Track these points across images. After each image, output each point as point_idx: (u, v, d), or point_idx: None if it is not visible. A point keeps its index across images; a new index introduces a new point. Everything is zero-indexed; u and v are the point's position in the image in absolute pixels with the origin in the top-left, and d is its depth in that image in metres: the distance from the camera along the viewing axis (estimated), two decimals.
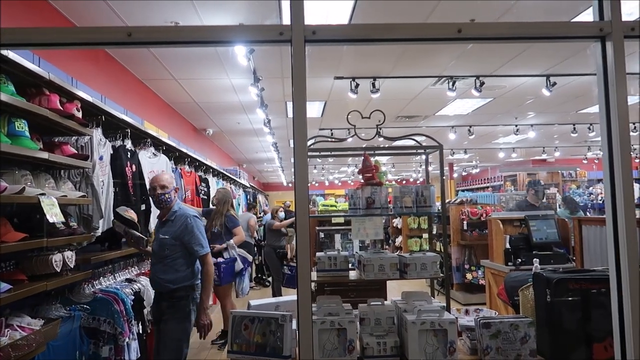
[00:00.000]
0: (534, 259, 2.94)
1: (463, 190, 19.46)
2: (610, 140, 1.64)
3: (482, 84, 6.04)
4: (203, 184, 6.89)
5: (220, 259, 5.34)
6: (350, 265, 2.81)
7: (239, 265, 5.35)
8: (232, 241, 5.39)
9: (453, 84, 6.11)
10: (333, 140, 3.03)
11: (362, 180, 2.35)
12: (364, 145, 3.23)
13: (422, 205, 2.28)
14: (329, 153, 3.52)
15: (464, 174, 23.70)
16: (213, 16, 4.23)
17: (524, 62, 5.72)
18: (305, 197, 1.64)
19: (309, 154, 2.66)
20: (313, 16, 4.18)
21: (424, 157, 3.25)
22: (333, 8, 4.15)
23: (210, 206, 6.24)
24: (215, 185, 8.05)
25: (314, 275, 2.49)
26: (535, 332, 2.16)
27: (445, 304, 2.53)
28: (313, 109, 8.11)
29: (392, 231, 10.13)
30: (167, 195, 3.31)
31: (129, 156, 4.01)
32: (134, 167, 4.08)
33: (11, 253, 2.47)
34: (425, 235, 8.62)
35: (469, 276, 7.15)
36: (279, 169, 18.34)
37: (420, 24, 1.72)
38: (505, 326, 2.15)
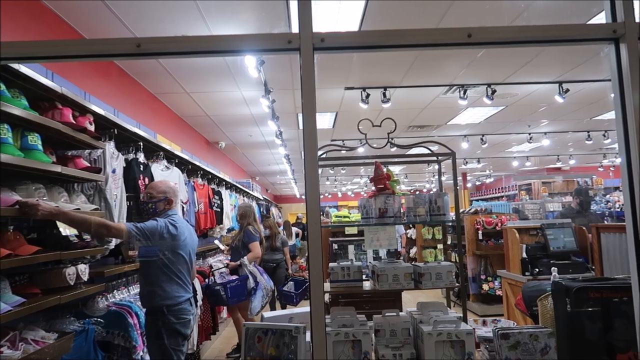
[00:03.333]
0: (552, 268, 2.86)
1: (477, 200, 19.28)
2: (628, 145, 1.60)
3: (493, 91, 5.99)
4: (216, 197, 6.90)
5: (234, 276, 5.32)
6: (364, 276, 2.78)
7: (250, 283, 5.26)
8: (245, 258, 5.35)
9: (464, 93, 6.08)
10: (344, 149, 3.01)
11: (374, 190, 2.32)
12: (377, 155, 3.21)
13: (436, 214, 2.24)
14: (340, 162, 3.49)
15: (477, 183, 23.49)
16: (222, 27, 4.26)
17: (535, 68, 5.67)
18: (316, 207, 1.62)
19: (320, 163, 2.64)
20: (322, 24, 4.19)
21: (436, 166, 3.21)
22: (342, 16, 4.15)
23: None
24: (228, 198, 8.07)
25: (327, 286, 2.46)
26: (555, 343, 2.09)
27: (461, 315, 2.47)
28: (324, 121, 8.12)
29: (406, 242, 10.05)
30: (150, 206, 3.13)
31: (141, 169, 4.03)
32: (146, 179, 4.09)
33: (25, 266, 2.48)
34: (440, 246, 8.53)
35: (485, 287, 7.03)
36: (291, 181, 18.36)
37: (430, 29, 1.70)
38: (525, 337, 2.09)
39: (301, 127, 8.38)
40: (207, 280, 5.27)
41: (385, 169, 2.52)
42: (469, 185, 22.09)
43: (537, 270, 4.83)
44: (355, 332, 2.12)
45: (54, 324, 2.77)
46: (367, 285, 2.58)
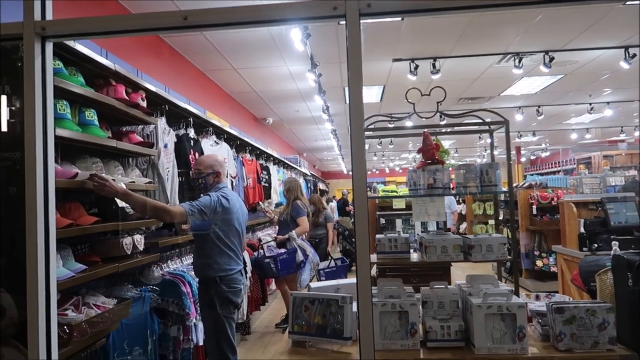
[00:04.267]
0: (613, 243, 2.72)
1: (532, 174, 18.56)
2: None
3: (551, 59, 5.67)
4: (264, 172, 7.00)
5: (282, 250, 5.41)
6: (411, 249, 2.74)
7: (299, 256, 5.35)
8: (293, 232, 5.43)
9: (519, 61, 5.79)
10: (392, 119, 2.94)
11: (423, 160, 2.27)
12: (424, 125, 3.12)
13: (487, 185, 2.17)
14: (387, 133, 3.43)
15: (532, 157, 22.58)
16: None
17: (598, 33, 5.30)
18: (363, 177, 1.60)
19: (367, 134, 2.60)
20: None
21: (488, 140, 3.08)
22: None
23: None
24: (276, 173, 8.17)
25: (374, 257, 2.45)
26: (615, 319, 2.00)
27: (513, 289, 2.41)
28: (372, 94, 8.00)
29: (456, 217, 9.86)
30: (200, 181, 3.21)
31: (192, 144, 4.12)
32: (197, 154, 4.18)
33: (86, 236, 2.61)
34: (491, 222, 8.30)
35: (539, 263, 6.81)
36: (338, 157, 18.34)
37: None
38: (581, 311, 2.01)
39: (348, 101, 8.33)
40: (256, 253, 5.39)
41: (434, 139, 2.46)
42: (522, 159, 21.28)
43: (595, 245, 4.62)
44: (403, 303, 2.11)
45: (113, 291, 2.92)
46: (414, 257, 2.55)
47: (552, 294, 2.62)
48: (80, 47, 2.50)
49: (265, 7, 1.76)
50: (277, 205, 7.49)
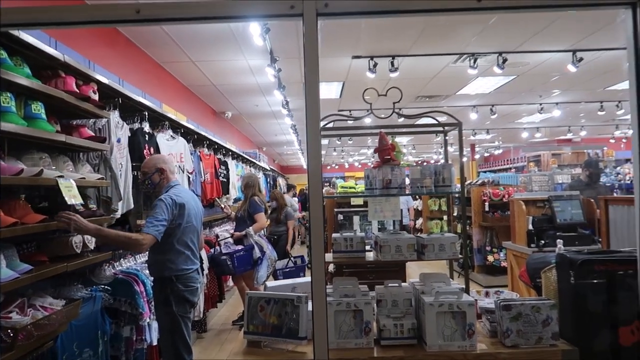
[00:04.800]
0: (558, 240, 2.85)
1: (485, 172, 19.17)
2: None
3: (504, 60, 5.86)
4: (223, 167, 6.91)
5: (239, 247, 5.36)
6: (368, 247, 2.78)
7: (256, 253, 5.30)
8: (250, 229, 5.38)
9: (474, 62, 5.95)
10: (350, 119, 2.96)
11: (379, 160, 2.30)
12: (381, 125, 3.16)
13: (441, 185, 2.22)
14: (345, 132, 3.45)
15: (486, 155, 23.29)
16: None
17: (549, 36, 5.52)
18: (318, 177, 1.60)
19: (325, 133, 2.61)
20: None
21: (444, 137, 3.16)
22: None
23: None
24: (234, 168, 8.08)
25: (330, 256, 2.47)
26: (557, 315, 2.10)
27: (464, 286, 2.48)
28: (331, 90, 8.02)
29: (413, 213, 10.05)
30: (147, 182, 3.15)
31: (147, 139, 4.02)
32: (152, 149, 4.09)
33: (32, 235, 2.50)
34: (447, 217, 8.53)
35: (490, 258, 7.05)
36: (298, 152, 18.33)
37: None
38: (527, 308, 2.09)
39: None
40: (212, 250, 5.33)
41: (390, 140, 2.49)
42: (477, 156, 21.92)
43: (542, 242, 4.82)
44: (357, 302, 2.14)
45: (62, 291, 2.82)
46: (370, 256, 2.58)
47: (501, 290, 2.72)
48: (26, 36, 2.38)
49: (221, 3, 1.73)
50: (236, 200, 7.41)
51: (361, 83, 7.00)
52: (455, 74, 7.11)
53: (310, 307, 2.18)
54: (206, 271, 5.08)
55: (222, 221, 7.00)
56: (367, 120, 5.55)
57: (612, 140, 16.29)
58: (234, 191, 7.33)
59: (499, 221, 6.86)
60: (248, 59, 6.02)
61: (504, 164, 18.55)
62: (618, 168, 10.19)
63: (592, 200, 4.87)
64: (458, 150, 2.59)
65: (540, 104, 9.80)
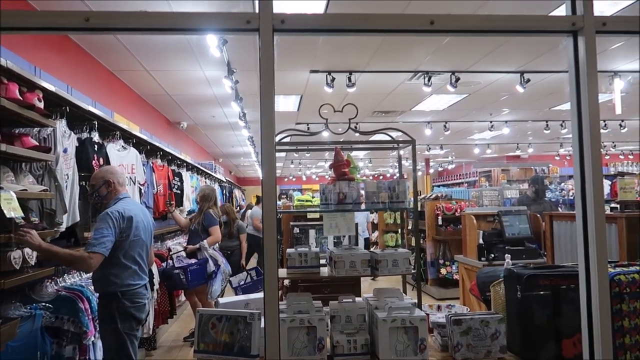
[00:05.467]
0: (506, 255, 2.94)
1: (438, 186, 19.69)
2: (581, 136, 1.63)
3: (457, 79, 6.05)
4: (176, 178, 6.76)
5: (193, 260, 5.23)
6: (323, 261, 2.76)
7: (210, 267, 5.18)
8: (205, 242, 5.27)
9: (429, 80, 6.11)
10: (306, 134, 2.97)
11: (334, 176, 2.31)
12: (341, 140, 3.18)
13: (395, 200, 2.25)
14: (301, 147, 3.45)
15: (440, 169, 23.93)
16: (184, 4, 4.11)
17: (498, 58, 5.75)
18: (272, 193, 1.59)
19: (280, 147, 2.60)
20: (288, 6, 4.10)
21: (400, 153, 3.21)
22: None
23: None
24: (189, 179, 7.92)
25: (284, 272, 2.44)
26: (505, 329, 2.15)
27: (416, 301, 2.51)
28: (289, 103, 8.03)
29: (370, 227, 10.12)
30: (94, 195, 3.06)
31: (95, 149, 3.88)
32: (101, 160, 3.95)
33: None
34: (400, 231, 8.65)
35: (443, 271, 7.19)
36: (255, 163, 18.20)
37: (392, 14, 1.67)
38: (476, 323, 2.14)
39: None
40: (164, 263, 5.17)
41: (345, 155, 2.51)
42: (431, 170, 22.46)
43: (492, 255, 4.96)
44: (311, 318, 2.12)
45: None
46: (325, 271, 2.57)
47: (452, 304, 2.77)
48: None
49: (175, 15, 1.69)
50: (190, 212, 7.25)
51: (319, 97, 7.05)
52: (410, 91, 7.27)
53: (263, 324, 2.16)
54: (157, 286, 4.93)
55: (175, 234, 6.82)
56: (325, 135, 5.56)
57: (557, 158, 17.10)
58: (188, 203, 7.17)
59: (452, 235, 7.03)
60: (205, 69, 5.95)
61: (457, 179, 19.11)
62: (562, 184, 10.70)
63: (538, 215, 5.07)
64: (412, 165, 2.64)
65: (491, 122, 10.17)
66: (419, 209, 9.02)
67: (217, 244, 5.57)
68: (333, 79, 5.86)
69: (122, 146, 4.54)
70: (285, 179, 26.52)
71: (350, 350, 2.12)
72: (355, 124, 2.79)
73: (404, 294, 2.38)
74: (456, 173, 20.49)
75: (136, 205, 3.23)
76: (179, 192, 6.73)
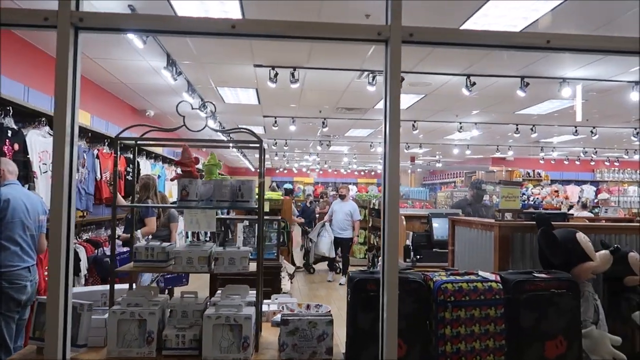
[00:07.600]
0: (377, 258, 2.97)
1: (426, 185, 19.92)
2: (385, 138, 1.65)
3: (401, 79, 6.03)
4: (131, 166, 6.78)
5: (125, 249, 5.26)
6: None
7: None
8: (139, 232, 5.29)
9: (373, 79, 6.10)
10: (155, 128, 2.95)
11: (180, 172, 2.34)
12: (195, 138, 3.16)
13: (240, 199, 2.29)
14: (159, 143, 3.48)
15: (430, 170, 23.95)
16: None
17: (440, 59, 5.72)
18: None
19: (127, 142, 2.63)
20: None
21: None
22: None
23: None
24: (150, 168, 7.98)
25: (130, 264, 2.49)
26: (332, 331, 2.19)
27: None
28: (249, 96, 7.99)
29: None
30: None
31: (9, 134, 3.93)
32: (16, 145, 3.99)
33: None
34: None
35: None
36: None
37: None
38: (304, 323, 2.18)
39: (226, 101, 8.18)
40: (97, 251, 5.22)
41: (207, 155, 2.53)
42: (419, 170, 22.42)
43: (418, 257, 5.01)
44: (141, 311, 2.16)
45: None
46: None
47: (320, 304, 2.79)
48: None
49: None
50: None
51: (271, 91, 7.03)
52: (365, 89, 7.25)
53: (97, 315, 2.21)
54: (84, 272, 4.98)
55: (119, 222, 6.85)
56: (292, 128, 5.39)
57: (541, 161, 17.04)
58: None
59: None
60: (148, 60, 5.93)
61: (446, 178, 19.40)
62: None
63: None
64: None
65: (460, 123, 10.16)
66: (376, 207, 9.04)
67: (150, 235, 5.60)
68: (276, 74, 5.85)
69: (49, 132, 4.57)
70: (277, 171, 26.44)
71: (178, 344, 2.17)
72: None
73: (249, 292, 2.43)
74: (447, 172, 20.61)
75: (21, 190, 3.35)
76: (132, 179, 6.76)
